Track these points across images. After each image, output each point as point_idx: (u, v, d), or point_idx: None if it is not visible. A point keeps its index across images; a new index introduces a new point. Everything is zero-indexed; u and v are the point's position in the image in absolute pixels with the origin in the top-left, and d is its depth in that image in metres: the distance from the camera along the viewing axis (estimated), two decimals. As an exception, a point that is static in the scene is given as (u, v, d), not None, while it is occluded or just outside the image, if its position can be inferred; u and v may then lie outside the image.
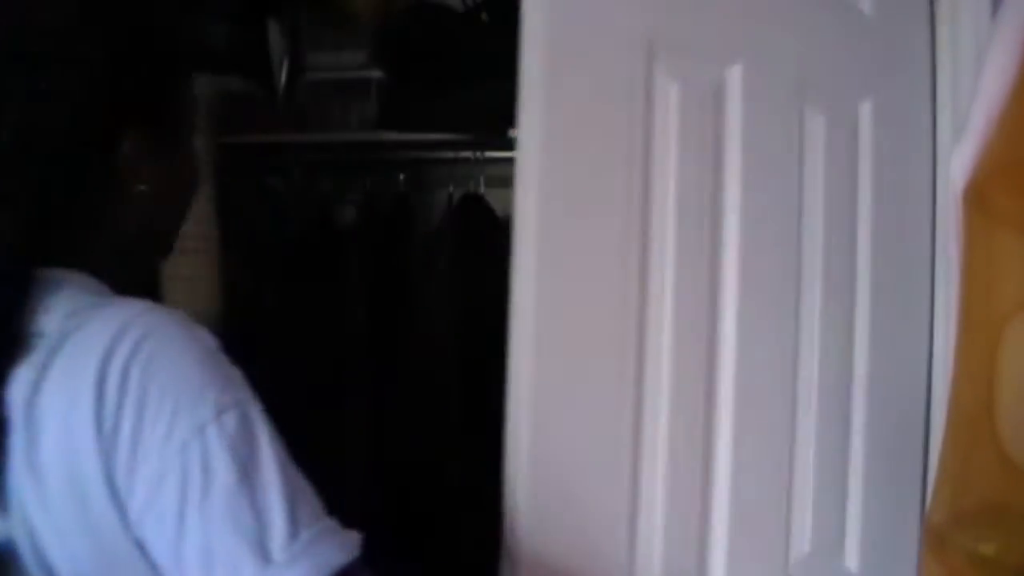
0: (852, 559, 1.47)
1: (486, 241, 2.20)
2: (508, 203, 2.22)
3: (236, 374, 0.83)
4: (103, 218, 0.94)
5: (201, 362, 0.81)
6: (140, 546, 0.78)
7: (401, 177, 2.31)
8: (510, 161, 2.20)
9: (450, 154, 2.29)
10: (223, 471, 0.76)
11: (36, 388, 0.78)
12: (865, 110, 1.49)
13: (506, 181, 2.23)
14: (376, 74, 2.32)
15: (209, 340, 0.84)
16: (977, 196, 0.87)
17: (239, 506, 0.75)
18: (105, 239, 0.94)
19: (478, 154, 2.23)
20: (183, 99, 1.05)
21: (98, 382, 0.77)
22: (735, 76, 1.34)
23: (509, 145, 2.22)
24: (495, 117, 2.22)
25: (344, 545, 0.80)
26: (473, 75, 2.24)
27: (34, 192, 0.87)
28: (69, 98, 0.89)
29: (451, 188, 2.25)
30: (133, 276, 0.96)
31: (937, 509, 0.91)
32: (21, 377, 0.79)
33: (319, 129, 2.38)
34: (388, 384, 2.14)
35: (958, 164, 0.89)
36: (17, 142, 0.87)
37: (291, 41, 2.40)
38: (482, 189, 2.25)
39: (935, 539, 0.90)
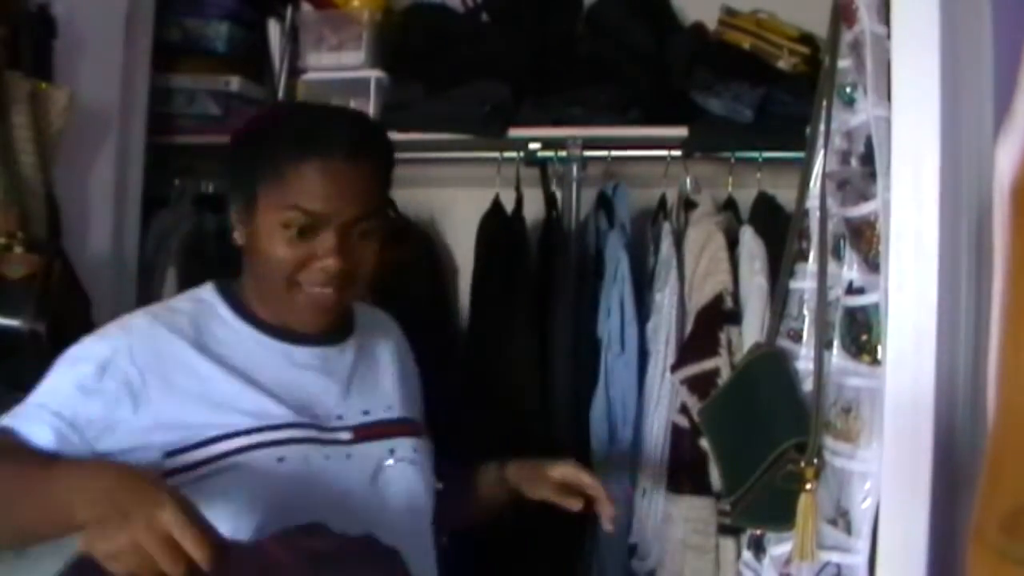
0: None
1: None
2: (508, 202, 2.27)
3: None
4: None
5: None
6: None
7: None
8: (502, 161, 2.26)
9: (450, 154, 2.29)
10: None
11: None
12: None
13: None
14: (376, 74, 2.32)
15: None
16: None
17: None
18: None
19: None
20: None
21: None
22: None
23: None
24: (494, 116, 2.23)
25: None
26: (473, 75, 2.24)
27: None
28: None
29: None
30: None
31: (989, 515, 0.89)
32: None
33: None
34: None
35: (1006, 159, 0.86)
36: None
37: (291, 41, 2.39)
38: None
39: (987, 547, 0.88)
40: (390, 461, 1.28)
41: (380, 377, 1.38)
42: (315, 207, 1.18)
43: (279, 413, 1.21)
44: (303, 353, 1.27)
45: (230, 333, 1.26)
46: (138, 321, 1.24)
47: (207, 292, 1.31)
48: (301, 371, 1.27)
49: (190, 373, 1.20)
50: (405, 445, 1.32)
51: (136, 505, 0.89)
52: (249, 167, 1.23)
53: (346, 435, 1.26)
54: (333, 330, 1.30)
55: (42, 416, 1.14)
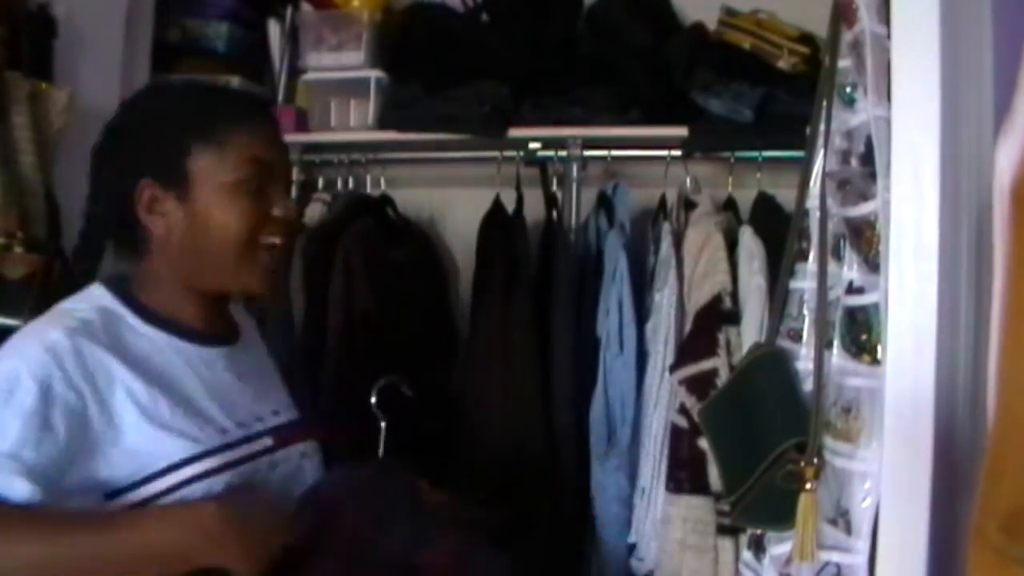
0: None
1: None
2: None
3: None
4: None
5: None
6: None
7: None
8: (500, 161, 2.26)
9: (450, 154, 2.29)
10: None
11: None
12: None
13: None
14: (376, 74, 2.32)
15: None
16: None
17: None
18: None
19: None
20: None
21: None
22: None
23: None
24: (494, 116, 2.23)
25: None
26: (473, 75, 2.24)
27: None
28: None
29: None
30: None
31: (989, 515, 0.89)
32: None
33: (319, 129, 2.38)
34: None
35: (1006, 159, 0.86)
36: None
37: (291, 41, 2.40)
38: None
39: (987, 547, 0.88)
40: (303, 463, 1.30)
41: (272, 377, 1.38)
42: (268, 156, 1.21)
43: (213, 433, 1.16)
44: (217, 354, 1.25)
45: (144, 342, 1.17)
46: (55, 336, 1.09)
47: (104, 297, 1.21)
48: (220, 374, 1.24)
49: (122, 392, 1.10)
50: (310, 447, 1.33)
51: (270, 528, 1.11)
52: (175, 149, 1.18)
53: (268, 440, 1.24)
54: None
55: (5, 465, 1.01)
